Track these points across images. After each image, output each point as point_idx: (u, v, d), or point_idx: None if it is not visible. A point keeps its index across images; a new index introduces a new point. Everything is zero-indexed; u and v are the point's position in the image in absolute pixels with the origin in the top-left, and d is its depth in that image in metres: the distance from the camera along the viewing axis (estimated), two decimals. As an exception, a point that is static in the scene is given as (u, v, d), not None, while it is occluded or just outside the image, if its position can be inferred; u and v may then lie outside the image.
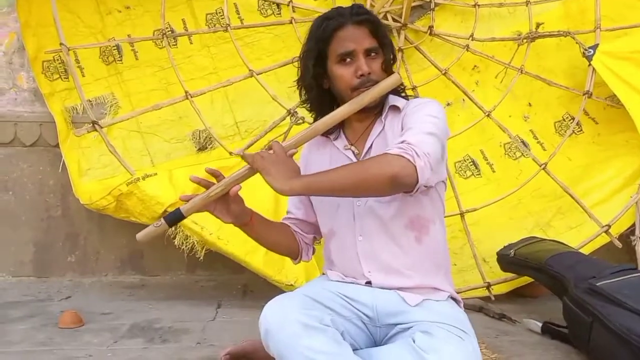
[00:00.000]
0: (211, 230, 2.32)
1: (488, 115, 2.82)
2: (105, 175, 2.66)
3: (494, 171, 2.85)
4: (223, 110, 2.90)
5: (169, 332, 2.00)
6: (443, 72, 2.89)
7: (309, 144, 1.59)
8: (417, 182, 1.28)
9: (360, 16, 1.45)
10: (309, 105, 1.57)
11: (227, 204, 1.40)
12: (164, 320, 2.14)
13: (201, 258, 2.43)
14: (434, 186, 1.44)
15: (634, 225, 2.53)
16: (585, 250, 2.47)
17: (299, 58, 1.55)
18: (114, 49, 2.84)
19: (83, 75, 2.82)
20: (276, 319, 1.26)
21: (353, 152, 1.52)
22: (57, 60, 2.80)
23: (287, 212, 1.65)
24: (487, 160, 2.87)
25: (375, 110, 1.51)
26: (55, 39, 2.68)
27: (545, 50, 2.93)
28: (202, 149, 2.84)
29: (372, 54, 1.46)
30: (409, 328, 1.35)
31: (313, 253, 1.65)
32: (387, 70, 1.48)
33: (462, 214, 2.62)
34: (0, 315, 2.22)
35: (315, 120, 1.52)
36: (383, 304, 1.42)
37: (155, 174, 2.39)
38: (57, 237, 2.91)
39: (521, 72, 2.84)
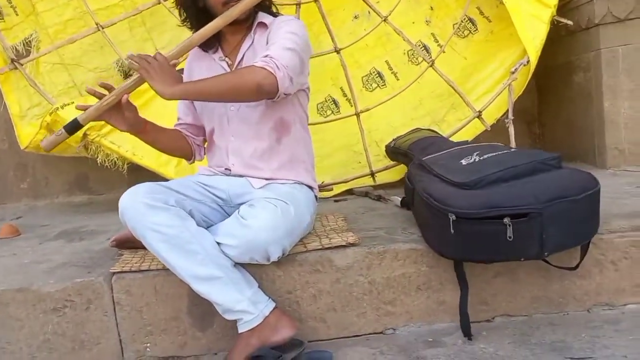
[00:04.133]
0: (127, 148, 2.62)
1: (385, 20, 2.99)
2: (41, 114, 2.83)
3: (398, 79, 3.01)
4: (143, 38, 3.03)
5: (89, 233, 2.31)
6: (344, -20, 3.04)
7: (191, 55, 1.85)
8: (278, 90, 1.55)
9: None
10: (188, 23, 1.80)
11: (121, 112, 1.64)
12: (90, 226, 2.46)
13: (125, 172, 2.74)
14: (295, 93, 1.72)
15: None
16: (466, 137, 2.70)
17: None
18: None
19: (17, 14, 2.91)
20: (127, 202, 1.56)
21: (227, 63, 1.78)
22: (-11, 3, 2.88)
23: (178, 119, 1.91)
24: (391, 69, 3.02)
25: (246, 24, 1.75)
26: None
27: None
28: (128, 76, 3.00)
29: None
30: (249, 205, 1.66)
31: (205, 153, 1.93)
32: None
33: (357, 115, 2.88)
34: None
35: None
36: (234, 188, 1.74)
37: (72, 102, 2.62)
38: (8, 168, 3.22)
39: (415, -25, 2.99)
